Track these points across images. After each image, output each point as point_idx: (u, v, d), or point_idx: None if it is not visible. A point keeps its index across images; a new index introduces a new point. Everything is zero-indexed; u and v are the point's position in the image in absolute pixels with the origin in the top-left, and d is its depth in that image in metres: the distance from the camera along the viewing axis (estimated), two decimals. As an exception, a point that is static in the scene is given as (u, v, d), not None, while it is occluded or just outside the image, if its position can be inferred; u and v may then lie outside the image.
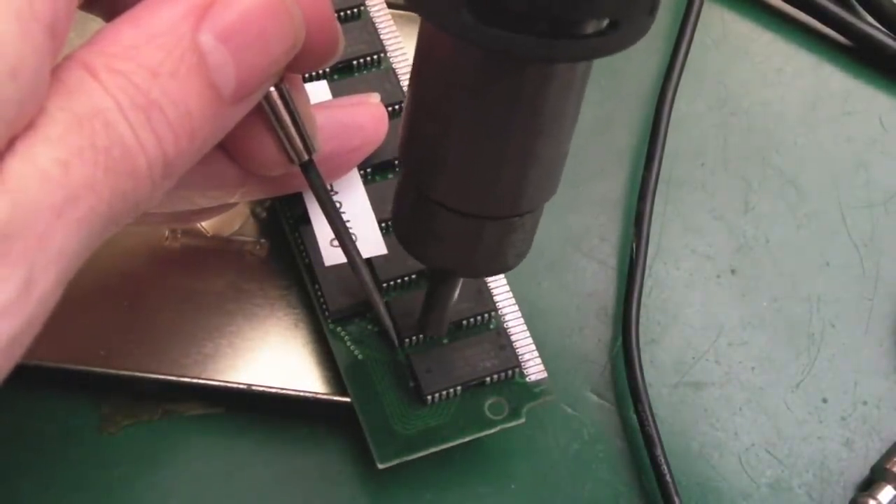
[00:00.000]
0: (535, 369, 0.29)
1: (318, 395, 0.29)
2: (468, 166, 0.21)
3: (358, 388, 0.28)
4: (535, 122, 0.20)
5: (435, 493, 0.29)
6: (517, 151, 0.21)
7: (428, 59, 0.21)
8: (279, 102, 0.24)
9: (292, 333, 0.30)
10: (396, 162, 0.30)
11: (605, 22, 0.18)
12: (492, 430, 0.28)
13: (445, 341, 0.29)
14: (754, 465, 0.31)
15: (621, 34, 0.18)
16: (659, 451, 0.30)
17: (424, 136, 0.22)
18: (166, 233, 0.31)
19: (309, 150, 0.25)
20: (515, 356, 0.29)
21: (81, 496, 0.29)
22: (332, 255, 0.28)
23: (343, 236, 0.27)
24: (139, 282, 0.30)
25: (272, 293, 0.30)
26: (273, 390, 0.29)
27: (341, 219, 0.27)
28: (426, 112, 0.22)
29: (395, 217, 0.24)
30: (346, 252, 0.27)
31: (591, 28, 0.18)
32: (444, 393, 0.28)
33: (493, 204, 0.22)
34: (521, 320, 0.29)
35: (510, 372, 0.29)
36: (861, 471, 0.31)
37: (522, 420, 0.28)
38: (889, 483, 0.30)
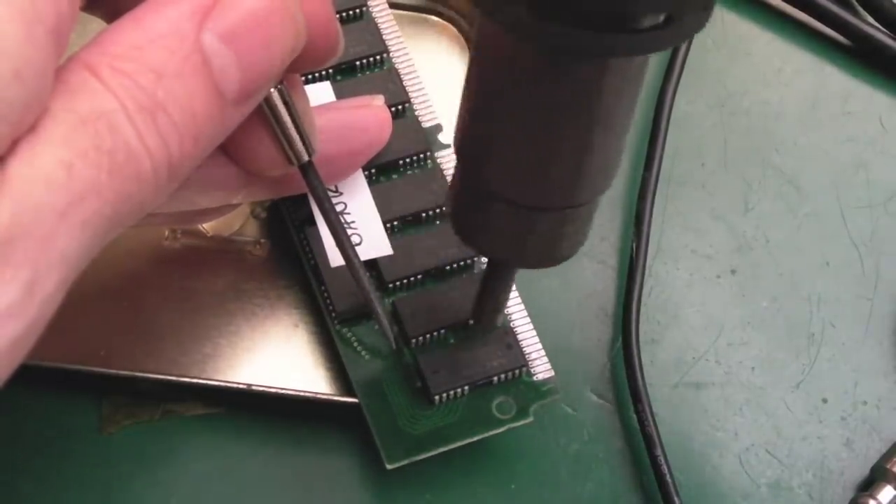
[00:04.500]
0: (542, 368, 0.29)
1: (318, 395, 0.29)
2: (523, 159, 0.21)
3: (365, 388, 0.28)
4: (591, 117, 0.20)
5: (434, 494, 0.29)
6: (572, 145, 0.21)
7: (485, 52, 0.21)
8: (278, 103, 0.24)
9: (292, 333, 0.30)
10: (402, 162, 0.30)
11: (662, 16, 0.18)
12: (500, 430, 0.28)
13: (452, 341, 0.29)
14: (754, 465, 0.31)
15: (677, 28, 0.18)
16: (659, 451, 0.30)
17: (480, 128, 0.22)
18: (166, 233, 0.31)
19: (308, 151, 0.25)
20: (523, 355, 0.29)
21: (81, 496, 0.29)
22: (339, 256, 0.28)
23: (341, 236, 0.26)
24: (139, 282, 0.30)
25: (272, 293, 0.30)
26: (273, 390, 0.29)
27: (339, 219, 0.27)
28: (482, 105, 0.22)
29: (452, 208, 0.24)
30: (343, 251, 0.27)
31: (647, 22, 0.18)
32: (452, 393, 0.28)
33: (548, 196, 0.22)
34: (528, 319, 0.29)
35: (517, 371, 0.29)
36: (861, 471, 0.31)
37: (531, 419, 0.28)
38: (889, 483, 0.30)
